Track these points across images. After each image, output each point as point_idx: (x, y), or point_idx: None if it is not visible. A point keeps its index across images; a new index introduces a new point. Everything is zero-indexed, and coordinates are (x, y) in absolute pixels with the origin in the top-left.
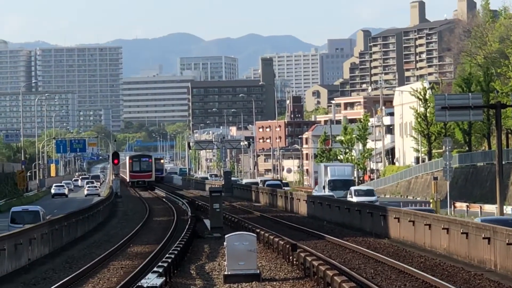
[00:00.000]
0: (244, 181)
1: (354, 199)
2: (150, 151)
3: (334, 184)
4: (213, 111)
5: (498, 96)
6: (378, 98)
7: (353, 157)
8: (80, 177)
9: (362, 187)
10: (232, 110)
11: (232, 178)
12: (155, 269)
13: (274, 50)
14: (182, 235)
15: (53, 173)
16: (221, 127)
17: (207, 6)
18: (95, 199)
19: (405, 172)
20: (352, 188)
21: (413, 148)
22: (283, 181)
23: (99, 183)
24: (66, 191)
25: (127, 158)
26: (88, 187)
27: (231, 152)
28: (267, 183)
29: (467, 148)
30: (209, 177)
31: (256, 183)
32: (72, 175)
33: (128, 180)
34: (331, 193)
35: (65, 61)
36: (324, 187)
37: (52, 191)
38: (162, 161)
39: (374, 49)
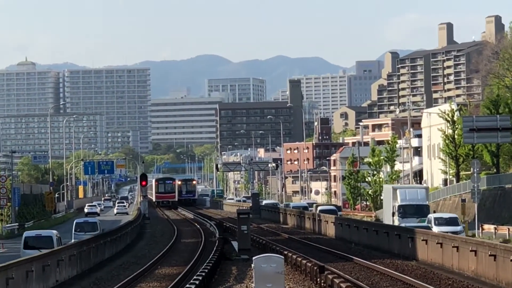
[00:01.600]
0: (292, 204)
1: (435, 229)
2: (178, 173)
3: (405, 210)
4: (241, 133)
5: None
6: (406, 120)
7: (381, 179)
8: (103, 199)
9: (444, 214)
10: (260, 131)
11: (270, 201)
12: None
13: (302, 72)
14: (210, 256)
15: (81, 195)
16: (249, 149)
17: (235, 28)
18: (124, 220)
19: (433, 194)
20: (432, 216)
21: (441, 170)
22: (337, 205)
23: (127, 204)
24: (98, 210)
25: (154, 180)
26: (118, 206)
27: (259, 174)
28: (320, 208)
29: (495, 170)
30: (242, 200)
31: (305, 207)
32: (100, 196)
33: (154, 200)
34: (424, 223)
35: (93, 83)
36: (393, 214)
37: (86, 210)
38: (194, 182)
39: (402, 70)
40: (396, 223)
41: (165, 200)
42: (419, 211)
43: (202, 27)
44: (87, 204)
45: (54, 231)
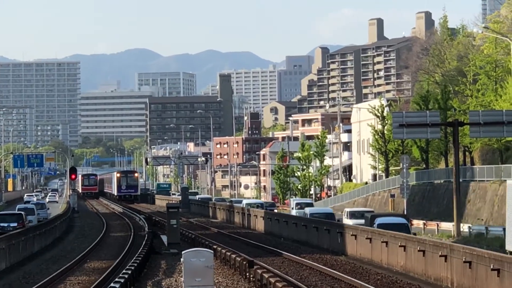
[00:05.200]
0: (309, 211)
1: None
2: (108, 166)
3: None
4: (171, 127)
5: (456, 114)
6: (336, 115)
7: (310, 174)
8: (35, 191)
9: None
10: (190, 126)
11: (254, 201)
12: (112, 284)
13: (232, 66)
14: (139, 250)
15: (10, 188)
16: (178, 143)
17: (166, 22)
18: (54, 209)
19: (362, 189)
20: None
21: (371, 165)
22: (404, 215)
23: (58, 195)
24: (35, 199)
25: (80, 176)
26: (50, 196)
27: (189, 168)
28: (379, 221)
29: (424, 166)
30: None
31: (329, 214)
32: (30, 189)
33: (80, 191)
34: None
35: (23, 76)
36: None
37: (25, 199)
38: (136, 175)
39: (332, 66)
40: None
41: (89, 192)
42: None
43: (133, 21)
44: (26, 194)
45: (22, 212)
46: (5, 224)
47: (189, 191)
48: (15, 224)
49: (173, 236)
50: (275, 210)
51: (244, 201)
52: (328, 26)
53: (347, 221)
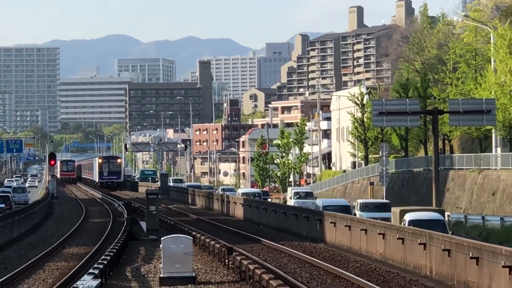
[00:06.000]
0: (321, 202)
1: None
2: (87, 152)
3: None
4: (150, 113)
5: (435, 102)
6: (315, 103)
7: (289, 161)
8: (14, 176)
9: None
10: (169, 112)
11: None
12: (90, 270)
13: (212, 53)
14: (118, 237)
15: None
16: (158, 129)
17: (145, 8)
18: (33, 195)
19: (341, 177)
20: None
21: (350, 153)
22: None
23: (37, 180)
24: (15, 184)
25: (58, 162)
26: (29, 180)
27: (168, 154)
28: (411, 217)
29: (403, 154)
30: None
31: (345, 206)
32: (9, 175)
33: (59, 177)
34: None
35: (2, 61)
36: None
37: (5, 184)
38: (119, 161)
39: (312, 53)
40: None
41: (66, 177)
42: None
43: (112, 6)
44: (6, 180)
45: (9, 194)
46: None
47: (175, 178)
48: (3, 205)
49: (152, 223)
50: (269, 200)
51: (240, 191)
52: (308, 13)
53: (359, 214)
